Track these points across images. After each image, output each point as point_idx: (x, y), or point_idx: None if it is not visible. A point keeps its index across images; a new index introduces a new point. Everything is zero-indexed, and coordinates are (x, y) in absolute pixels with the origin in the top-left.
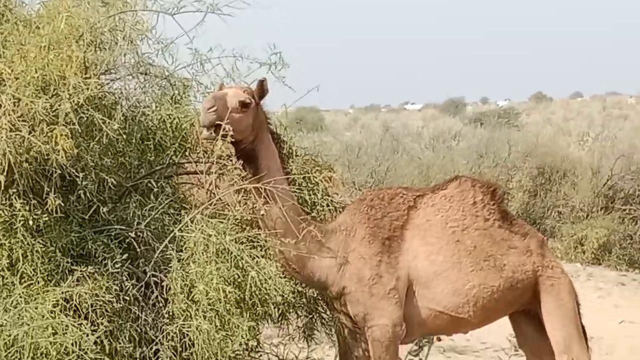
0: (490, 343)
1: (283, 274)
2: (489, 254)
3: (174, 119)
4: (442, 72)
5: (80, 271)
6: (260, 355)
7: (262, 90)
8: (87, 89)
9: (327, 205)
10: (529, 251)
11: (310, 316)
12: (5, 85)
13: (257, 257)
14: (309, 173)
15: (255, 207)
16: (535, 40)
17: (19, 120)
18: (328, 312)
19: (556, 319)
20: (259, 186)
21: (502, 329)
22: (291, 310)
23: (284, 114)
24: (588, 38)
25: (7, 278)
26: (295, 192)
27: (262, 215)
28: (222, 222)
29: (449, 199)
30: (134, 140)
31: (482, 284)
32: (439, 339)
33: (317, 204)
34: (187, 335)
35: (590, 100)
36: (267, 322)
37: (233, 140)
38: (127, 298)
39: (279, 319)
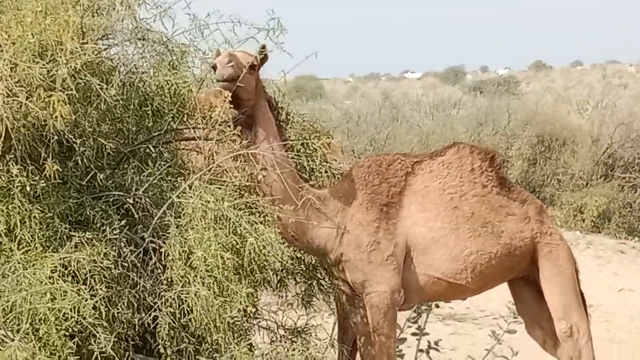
0: (489, 311)
1: (282, 240)
2: (486, 220)
3: (172, 84)
4: (442, 40)
5: (79, 237)
6: (259, 322)
7: (263, 56)
8: (85, 54)
9: (326, 172)
10: (527, 218)
11: (309, 283)
12: (2, 50)
13: (256, 223)
14: (307, 139)
15: (254, 173)
16: (535, 9)
17: (16, 86)
18: (327, 279)
19: (555, 286)
20: (256, 152)
21: (501, 296)
22: (290, 277)
23: (283, 81)
24: (588, 7)
25: (5, 244)
26: (293, 158)
27: (260, 181)
28: (220, 189)
29: (447, 166)
30: (132, 106)
31: (479, 250)
32: (437, 306)
33: (315, 170)
34: (186, 301)
35: (590, 69)
36: (266, 288)
37: (240, 101)
38: (126, 264)
39: (278, 286)
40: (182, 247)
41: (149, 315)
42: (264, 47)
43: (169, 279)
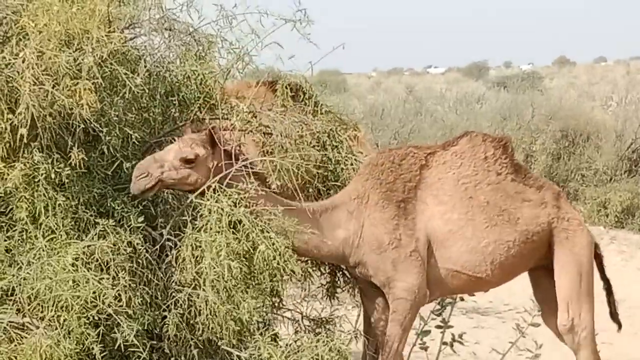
0: (513, 304)
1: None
2: (502, 208)
3: (199, 75)
4: (466, 36)
5: (103, 224)
6: (284, 312)
7: (212, 139)
8: (111, 43)
9: (351, 164)
10: (544, 203)
11: (334, 274)
12: (28, 38)
13: (269, 231)
14: (333, 130)
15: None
16: (559, 4)
17: (42, 74)
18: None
19: (566, 275)
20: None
21: (525, 290)
22: (315, 268)
23: (309, 72)
24: (612, 3)
25: (30, 231)
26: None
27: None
28: (237, 193)
29: (460, 155)
30: (158, 96)
31: (497, 240)
32: (462, 299)
33: (340, 162)
34: (194, 304)
35: (614, 65)
36: (291, 280)
37: (190, 188)
38: (140, 262)
39: (303, 277)
40: (194, 249)
41: (159, 315)
42: (213, 128)
43: (181, 281)
